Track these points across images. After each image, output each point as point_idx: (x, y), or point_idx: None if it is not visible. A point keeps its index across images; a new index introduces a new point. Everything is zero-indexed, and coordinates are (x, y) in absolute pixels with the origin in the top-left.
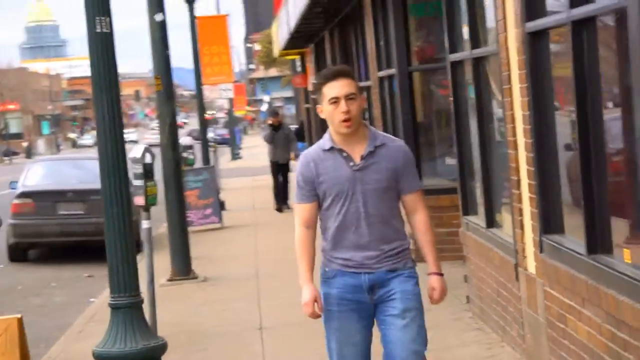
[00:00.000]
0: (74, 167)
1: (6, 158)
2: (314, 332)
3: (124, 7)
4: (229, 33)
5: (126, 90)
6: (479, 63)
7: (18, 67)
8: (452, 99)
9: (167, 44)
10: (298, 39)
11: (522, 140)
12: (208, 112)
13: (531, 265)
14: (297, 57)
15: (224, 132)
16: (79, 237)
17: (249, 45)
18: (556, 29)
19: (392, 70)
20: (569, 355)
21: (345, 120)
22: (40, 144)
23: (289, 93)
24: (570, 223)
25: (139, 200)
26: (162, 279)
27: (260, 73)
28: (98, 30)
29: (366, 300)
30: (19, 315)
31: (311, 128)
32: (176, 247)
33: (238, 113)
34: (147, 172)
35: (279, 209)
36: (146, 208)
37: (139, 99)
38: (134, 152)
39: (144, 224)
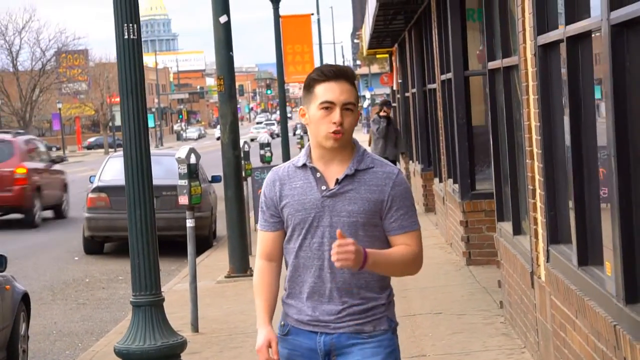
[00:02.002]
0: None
1: (112, 150)
2: None
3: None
4: (312, 32)
5: None
6: (508, 72)
7: None
8: (489, 106)
9: (230, 46)
10: (385, 38)
11: (535, 150)
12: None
13: (542, 273)
14: (386, 56)
15: None
16: None
17: (356, 41)
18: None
19: (450, 75)
20: None
21: (335, 132)
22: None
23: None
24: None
25: (183, 199)
26: (222, 275)
27: (365, 69)
28: (126, 36)
29: None
30: None
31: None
32: (234, 245)
33: None
34: (192, 172)
35: None
36: (190, 207)
37: (242, 93)
38: (179, 152)
39: (188, 223)
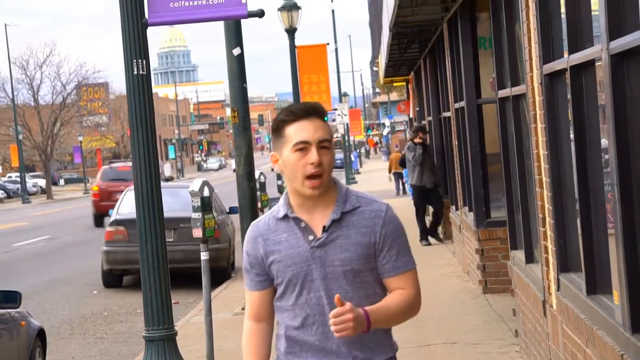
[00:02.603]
0: (167, 195)
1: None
2: None
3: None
4: (327, 61)
5: (251, 115)
6: (517, 101)
7: None
8: (499, 134)
9: (244, 77)
10: (400, 66)
11: (544, 179)
12: None
13: (554, 302)
14: (403, 84)
15: (339, 156)
16: (168, 264)
17: (375, 69)
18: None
19: (463, 103)
20: None
21: (313, 176)
22: (167, 168)
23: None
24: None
25: (197, 232)
26: (239, 306)
27: (385, 97)
28: (135, 72)
29: None
30: None
31: None
32: None
33: (358, 138)
34: (205, 205)
35: (426, 240)
36: (204, 240)
37: (262, 123)
38: (192, 185)
39: (203, 256)
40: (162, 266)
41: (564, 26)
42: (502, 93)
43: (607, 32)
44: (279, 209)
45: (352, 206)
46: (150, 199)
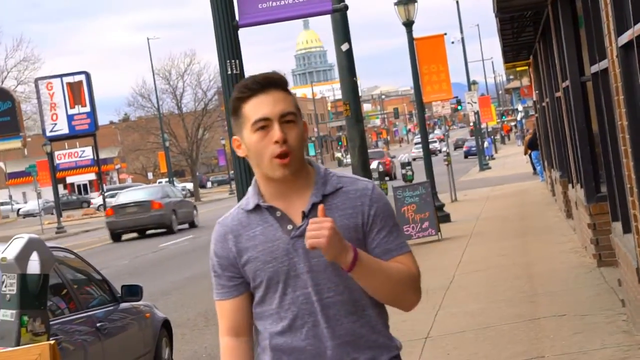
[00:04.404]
0: None
1: None
2: (470, 341)
3: (383, 29)
4: (446, 51)
5: (388, 108)
6: (605, 75)
7: None
8: (595, 109)
9: (354, 71)
10: (520, 51)
11: (629, 149)
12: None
13: None
14: (526, 68)
15: (473, 144)
16: None
17: None
18: None
19: (567, 82)
20: None
21: (280, 156)
22: None
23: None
24: None
25: None
26: None
27: (517, 83)
28: (229, 72)
29: None
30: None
31: (540, 138)
32: None
33: (490, 124)
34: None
35: None
36: None
37: (398, 116)
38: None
39: None
40: None
41: None
42: (594, 68)
43: None
44: (248, 200)
45: (333, 187)
46: None
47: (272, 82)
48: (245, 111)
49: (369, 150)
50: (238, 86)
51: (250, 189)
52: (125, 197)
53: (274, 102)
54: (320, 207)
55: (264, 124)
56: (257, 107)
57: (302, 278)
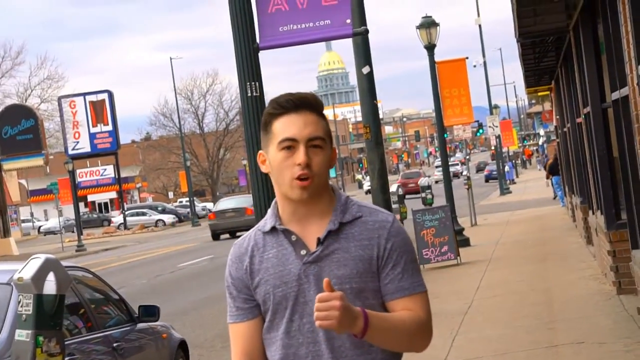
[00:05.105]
0: None
1: None
2: None
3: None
4: (467, 75)
5: (409, 131)
6: (626, 102)
7: None
8: (616, 136)
9: (374, 94)
10: (542, 76)
11: None
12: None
13: None
14: (548, 93)
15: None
16: None
17: None
18: None
19: (589, 108)
20: None
21: (300, 178)
22: None
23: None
24: None
25: None
26: None
27: (539, 107)
28: (249, 94)
29: None
30: None
31: (561, 164)
32: None
33: (512, 148)
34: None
35: None
36: None
37: (419, 139)
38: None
39: None
40: None
41: None
42: (614, 95)
43: None
44: (266, 221)
45: (352, 216)
46: None
47: (306, 104)
48: (274, 128)
49: (406, 171)
50: (272, 101)
51: (269, 211)
52: (224, 204)
53: (304, 124)
54: (326, 280)
55: (290, 144)
56: (286, 126)
57: (310, 306)
